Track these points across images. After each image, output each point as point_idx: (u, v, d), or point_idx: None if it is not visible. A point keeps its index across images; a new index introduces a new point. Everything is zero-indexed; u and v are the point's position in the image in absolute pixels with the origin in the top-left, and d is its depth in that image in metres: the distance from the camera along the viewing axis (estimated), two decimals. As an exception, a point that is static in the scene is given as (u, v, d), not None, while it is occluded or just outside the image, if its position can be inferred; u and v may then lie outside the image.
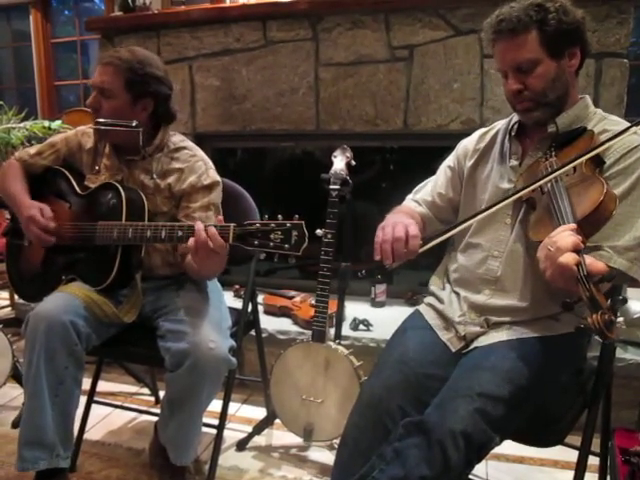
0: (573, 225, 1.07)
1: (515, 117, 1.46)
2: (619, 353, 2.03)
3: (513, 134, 1.43)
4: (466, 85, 2.44)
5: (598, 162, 1.22)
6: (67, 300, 1.59)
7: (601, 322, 0.91)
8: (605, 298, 0.96)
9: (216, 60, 2.75)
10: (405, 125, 2.54)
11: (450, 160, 1.60)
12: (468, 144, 1.56)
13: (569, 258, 1.00)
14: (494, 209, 1.30)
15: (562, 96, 1.34)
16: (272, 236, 1.33)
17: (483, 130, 1.57)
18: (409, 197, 1.66)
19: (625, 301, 0.98)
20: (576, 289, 0.98)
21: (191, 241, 1.41)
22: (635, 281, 1.21)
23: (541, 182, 1.22)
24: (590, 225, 1.11)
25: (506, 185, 1.40)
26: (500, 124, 1.53)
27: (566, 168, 1.20)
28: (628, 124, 1.30)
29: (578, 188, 1.17)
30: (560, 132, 1.34)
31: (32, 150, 1.82)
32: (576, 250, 1.01)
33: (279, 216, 1.35)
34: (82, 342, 1.57)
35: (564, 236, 1.04)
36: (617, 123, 1.33)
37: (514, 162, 1.41)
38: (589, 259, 1.03)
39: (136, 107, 1.67)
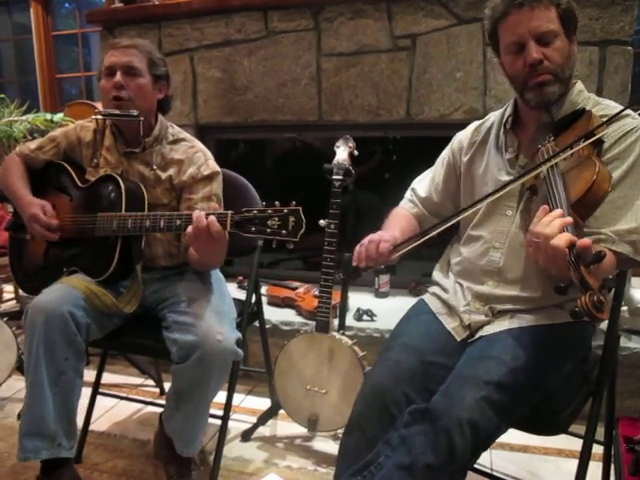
0: (559, 211, 1.05)
1: (509, 109, 1.44)
2: (623, 342, 2.02)
3: (508, 127, 1.42)
4: (469, 74, 2.42)
5: (596, 142, 1.20)
6: (66, 291, 1.59)
7: (589, 303, 0.90)
8: (598, 281, 0.94)
9: (217, 51, 2.74)
10: (408, 115, 2.53)
11: (445, 154, 1.59)
12: (463, 138, 1.55)
13: (560, 241, 0.99)
14: (484, 202, 1.32)
15: (570, 77, 1.33)
16: (269, 222, 1.33)
17: (477, 123, 1.55)
18: (407, 195, 1.66)
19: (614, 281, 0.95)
20: (569, 273, 0.97)
21: (190, 229, 1.41)
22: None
23: (537, 171, 1.21)
24: (585, 207, 1.11)
25: (505, 177, 1.38)
26: (494, 116, 1.51)
27: (562, 157, 1.19)
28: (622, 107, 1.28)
29: (573, 171, 1.16)
30: (555, 120, 1.32)
31: (33, 145, 1.82)
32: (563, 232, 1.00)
33: (276, 202, 1.35)
34: (81, 333, 1.57)
35: (546, 223, 1.03)
36: (611, 107, 1.31)
37: (510, 155, 1.40)
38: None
39: (154, 88, 1.73)
